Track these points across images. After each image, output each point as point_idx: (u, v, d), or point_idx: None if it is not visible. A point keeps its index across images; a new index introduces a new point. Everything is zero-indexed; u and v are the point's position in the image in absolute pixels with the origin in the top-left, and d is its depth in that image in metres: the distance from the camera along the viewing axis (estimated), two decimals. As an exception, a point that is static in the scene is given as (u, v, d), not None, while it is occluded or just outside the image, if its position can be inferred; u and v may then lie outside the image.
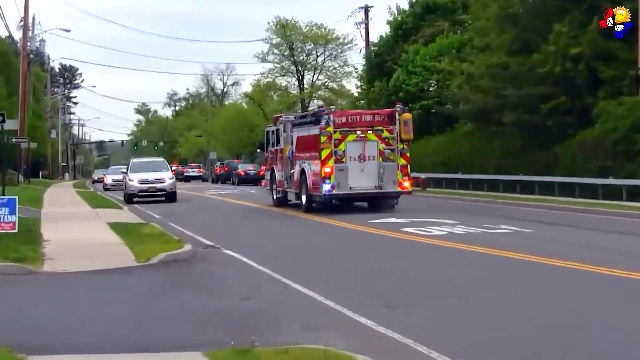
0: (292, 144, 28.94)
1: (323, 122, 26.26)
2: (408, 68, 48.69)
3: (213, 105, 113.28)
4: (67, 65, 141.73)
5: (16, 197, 16.41)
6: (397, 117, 26.45)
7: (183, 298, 11.27)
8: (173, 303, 10.95)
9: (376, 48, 55.82)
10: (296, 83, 76.99)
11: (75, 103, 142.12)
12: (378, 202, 27.13)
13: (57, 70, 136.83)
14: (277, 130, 30.88)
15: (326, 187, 25.94)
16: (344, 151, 26.17)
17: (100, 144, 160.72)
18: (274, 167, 31.29)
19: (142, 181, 35.42)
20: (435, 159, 44.59)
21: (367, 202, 27.94)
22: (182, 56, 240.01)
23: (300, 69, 75.90)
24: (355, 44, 71.29)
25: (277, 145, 30.91)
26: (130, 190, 35.80)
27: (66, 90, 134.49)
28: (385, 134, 26.38)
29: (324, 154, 26.06)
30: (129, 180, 35.83)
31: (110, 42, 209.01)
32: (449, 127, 46.33)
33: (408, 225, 20.94)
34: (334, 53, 75.26)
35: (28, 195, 34.78)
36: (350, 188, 26.20)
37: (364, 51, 57.92)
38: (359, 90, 61.28)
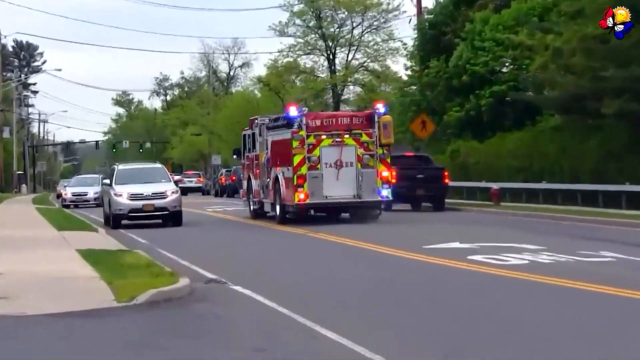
0: (267, 149, 32.93)
1: (295, 126, 30.55)
2: (474, 42, 48.60)
3: (216, 94, 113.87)
4: (24, 42, 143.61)
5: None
6: (376, 119, 30.82)
7: (178, 349, 11.26)
8: (165, 356, 10.94)
9: (431, 16, 55.76)
10: (325, 63, 77.16)
11: (35, 92, 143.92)
12: (359, 213, 31.61)
13: (11, 48, 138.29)
14: (253, 134, 35.06)
15: (299, 196, 29.95)
16: (318, 157, 30.46)
17: (67, 146, 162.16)
18: (250, 174, 35.37)
19: (135, 196, 33.55)
20: (512, 164, 44.47)
21: (348, 213, 32.24)
22: (175, 30, 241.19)
23: (330, 44, 76.00)
24: (404, 12, 71.57)
25: (253, 151, 35.13)
26: (117, 210, 33.72)
27: (23, 75, 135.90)
28: (364, 138, 30.75)
29: (297, 160, 30.24)
30: (115, 195, 33.72)
31: (81, 12, 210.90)
32: (529, 121, 46.16)
33: (477, 251, 20.91)
34: (375, 24, 75.41)
35: (-26, 213, 35.11)
36: (326, 197, 30.47)
37: (414, 21, 57.90)
38: (408, 72, 61.29)
